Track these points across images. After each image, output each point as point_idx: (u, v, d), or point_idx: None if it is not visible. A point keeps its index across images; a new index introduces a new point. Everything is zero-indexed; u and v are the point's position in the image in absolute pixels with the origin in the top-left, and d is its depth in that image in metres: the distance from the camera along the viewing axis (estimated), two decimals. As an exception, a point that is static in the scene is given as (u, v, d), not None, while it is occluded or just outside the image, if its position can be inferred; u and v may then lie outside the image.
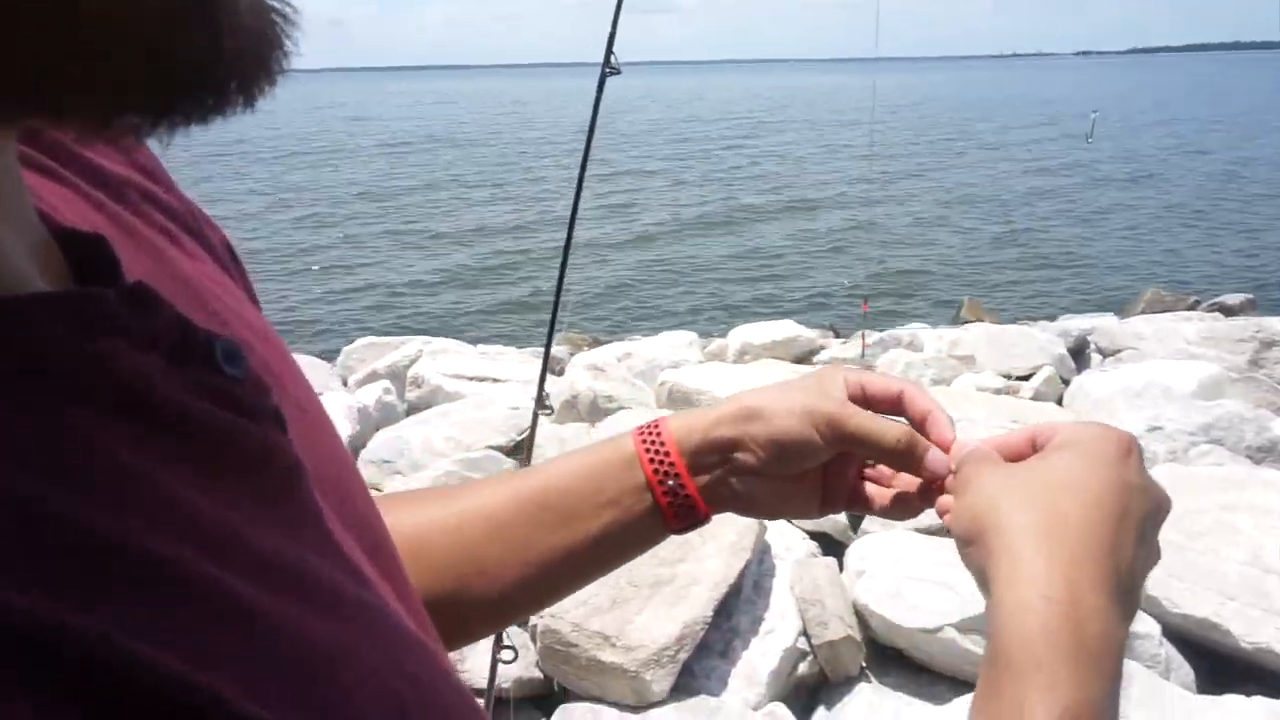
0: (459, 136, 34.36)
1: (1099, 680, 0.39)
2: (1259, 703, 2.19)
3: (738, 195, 19.09)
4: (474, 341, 6.80)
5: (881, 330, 7.16)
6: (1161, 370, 4.59)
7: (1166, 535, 1.81)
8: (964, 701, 2.29)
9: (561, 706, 2.39)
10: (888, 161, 22.89)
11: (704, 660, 2.56)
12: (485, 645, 2.36)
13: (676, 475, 0.57)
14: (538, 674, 2.52)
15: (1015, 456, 0.52)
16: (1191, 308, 9.32)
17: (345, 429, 4.13)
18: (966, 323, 8.15)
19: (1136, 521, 0.44)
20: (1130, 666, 2.32)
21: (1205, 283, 11.01)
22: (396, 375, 5.25)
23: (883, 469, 0.60)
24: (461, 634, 0.60)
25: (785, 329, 6.62)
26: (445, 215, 16.93)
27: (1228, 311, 8.84)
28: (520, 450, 4.09)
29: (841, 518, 3.27)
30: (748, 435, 0.57)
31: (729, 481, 0.59)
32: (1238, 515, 2.82)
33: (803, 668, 2.69)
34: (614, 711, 2.34)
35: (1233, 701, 2.21)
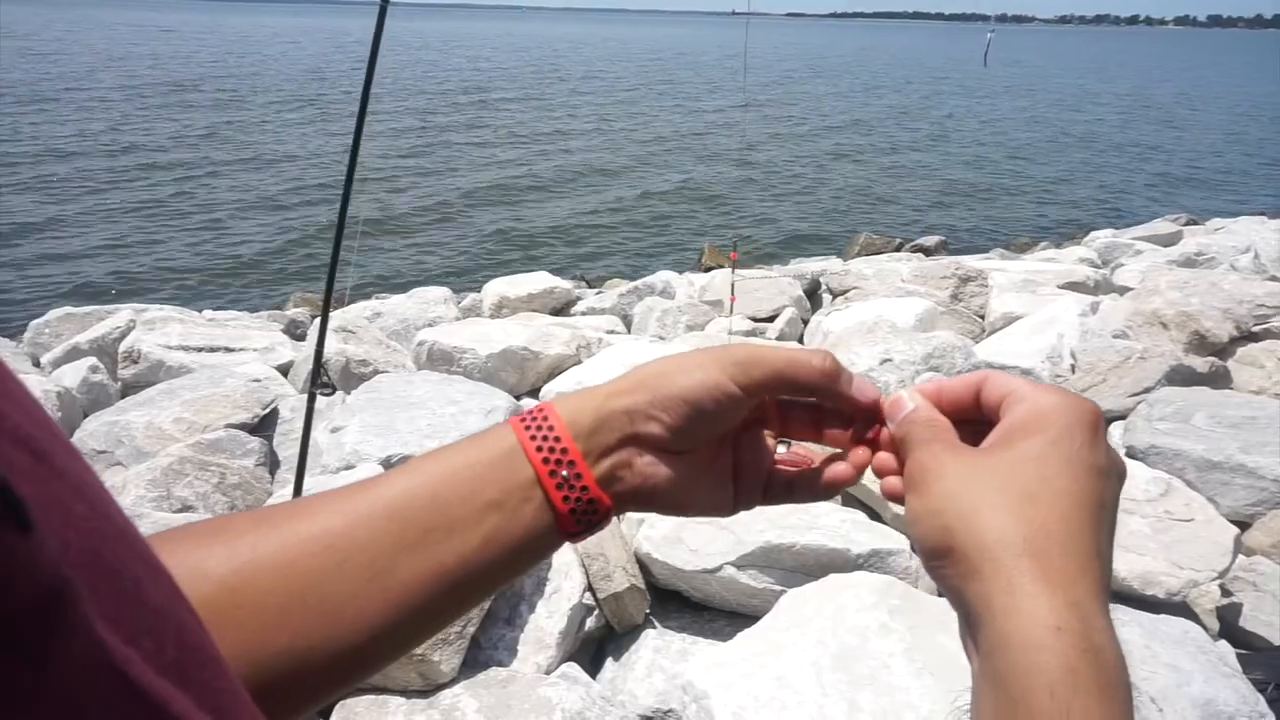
0: (186, 77, 30.42)
1: (1123, 706, 0.35)
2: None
3: (504, 154, 18.61)
4: (198, 308, 6.09)
5: (634, 279, 7.31)
6: (886, 307, 5.06)
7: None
8: (745, 634, 2.38)
9: (340, 704, 2.20)
10: (627, 119, 23.31)
11: (491, 630, 2.47)
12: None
13: (571, 462, 0.47)
14: (310, 671, 2.30)
15: (956, 408, 0.47)
16: (898, 249, 10.43)
17: (43, 418, 3.53)
18: (709, 269, 8.53)
19: (1111, 511, 0.40)
20: (885, 579, 2.54)
21: (903, 227, 12.32)
22: (105, 350, 4.57)
23: (798, 451, 0.53)
24: (306, 700, 0.44)
25: (540, 280, 6.56)
26: (153, 168, 14.96)
27: (926, 252, 10.00)
28: (265, 427, 3.72)
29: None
30: (653, 399, 0.48)
31: (632, 464, 0.48)
32: (960, 435, 3.17)
33: (590, 623, 2.68)
34: (401, 699, 2.19)
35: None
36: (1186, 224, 10.11)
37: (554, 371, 4.26)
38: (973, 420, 0.46)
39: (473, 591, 0.47)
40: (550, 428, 0.47)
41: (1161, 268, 6.29)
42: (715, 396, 0.48)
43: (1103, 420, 0.42)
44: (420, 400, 3.61)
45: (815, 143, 20.34)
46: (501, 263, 10.05)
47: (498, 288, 6.35)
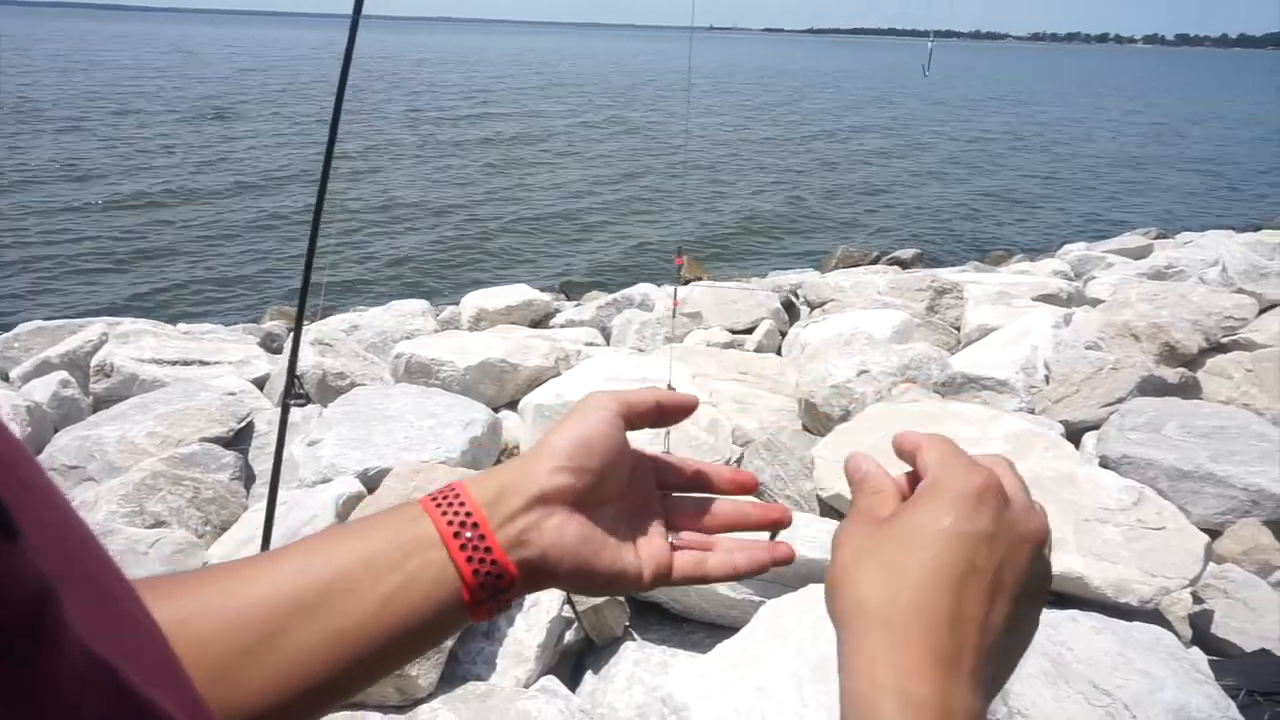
0: (162, 89, 30.17)
1: None
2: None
3: (471, 162, 18.59)
4: (171, 320, 6.03)
5: (614, 292, 7.32)
6: (862, 319, 5.10)
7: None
8: (724, 646, 2.39)
9: None
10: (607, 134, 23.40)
11: (470, 644, 2.46)
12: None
13: (475, 524, 0.47)
14: (285, 687, 2.28)
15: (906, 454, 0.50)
16: (874, 261, 10.52)
17: (13, 432, 3.48)
18: (688, 281, 8.56)
19: (986, 576, 0.42)
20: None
21: (881, 240, 12.43)
22: (76, 364, 4.51)
23: (691, 538, 0.55)
24: None
25: (519, 293, 6.55)
26: (127, 178, 14.81)
27: (903, 265, 10.09)
28: (240, 440, 3.68)
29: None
30: (548, 451, 0.50)
31: (540, 527, 0.48)
32: (937, 445, 3.19)
33: (569, 636, 2.67)
34: (378, 715, 2.17)
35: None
36: (1157, 237, 10.28)
37: (533, 383, 4.26)
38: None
39: (372, 664, 0.46)
40: (456, 495, 0.48)
41: (1132, 280, 6.39)
42: (601, 431, 0.50)
43: (992, 488, 0.43)
44: (398, 413, 3.59)
45: (796, 157, 20.50)
46: (480, 276, 10.04)
47: (476, 300, 6.34)
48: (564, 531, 0.49)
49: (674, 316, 3.82)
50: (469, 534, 0.46)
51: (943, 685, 0.39)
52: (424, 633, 0.47)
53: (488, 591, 0.47)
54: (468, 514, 0.47)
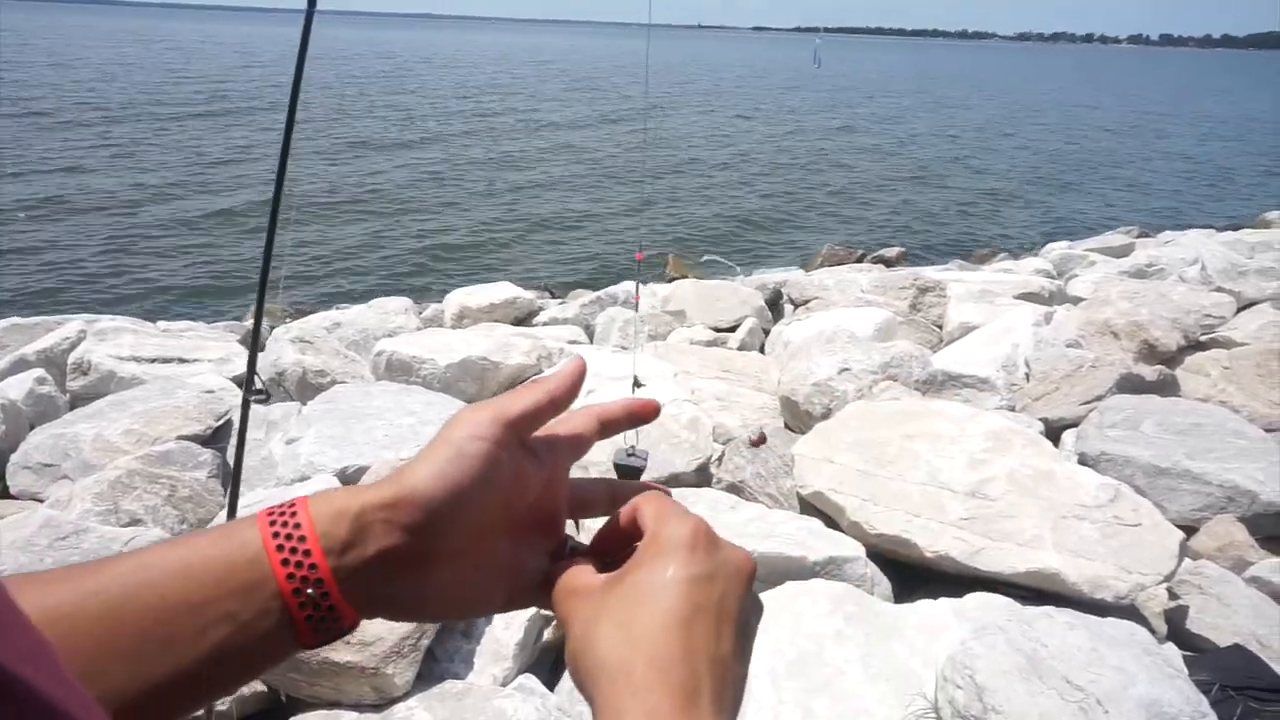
0: (120, 80, 29.88)
1: None
2: (944, 603, 2.51)
3: (459, 157, 18.53)
4: (152, 318, 5.97)
5: (597, 290, 7.31)
6: (845, 317, 5.11)
7: (862, 467, 1.95)
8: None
9: (292, 718, 2.16)
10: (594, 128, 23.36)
11: (448, 642, 2.45)
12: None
13: (319, 580, 0.43)
14: (261, 687, 2.26)
15: (629, 531, 0.49)
16: (859, 260, 10.55)
17: (-13, 430, 3.44)
18: (673, 279, 8.55)
19: (710, 612, 0.43)
20: (841, 587, 2.55)
21: (867, 239, 12.46)
22: (53, 362, 4.46)
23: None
24: None
25: (503, 291, 6.53)
26: (109, 175, 14.68)
27: (887, 263, 10.13)
28: (218, 438, 3.65)
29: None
30: (406, 502, 0.45)
31: (390, 579, 0.45)
32: (916, 442, 3.21)
33: (547, 634, 2.67)
34: (353, 714, 2.16)
35: (924, 606, 2.51)
36: (1139, 236, 10.35)
37: (514, 381, 4.25)
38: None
39: (193, 699, 0.43)
40: (301, 537, 0.43)
41: (1113, 279, 6.43)
42: (472, 438, 0.46)
43: (702, 532, 0.45)
44: (378, 411, 3.58)
45: (785, 154, 20.54)
46: (465, 273, 10.00)
47: (459, 298, 6.32)
48: (422, 583, 0.46)
49: (636, 311, 3.80)
50: (311, 590, 0.43)
51: (689, 718, 0.40)
52: (251, 671, 0.44)
53: (321, 634, 0.44)
54: (312, 566, 0.43)
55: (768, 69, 64.10)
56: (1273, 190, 17.80)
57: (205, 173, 15.11)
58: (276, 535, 0.43)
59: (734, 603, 0.44)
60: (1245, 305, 5.24)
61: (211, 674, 0.42)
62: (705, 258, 10.62)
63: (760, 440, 3.42)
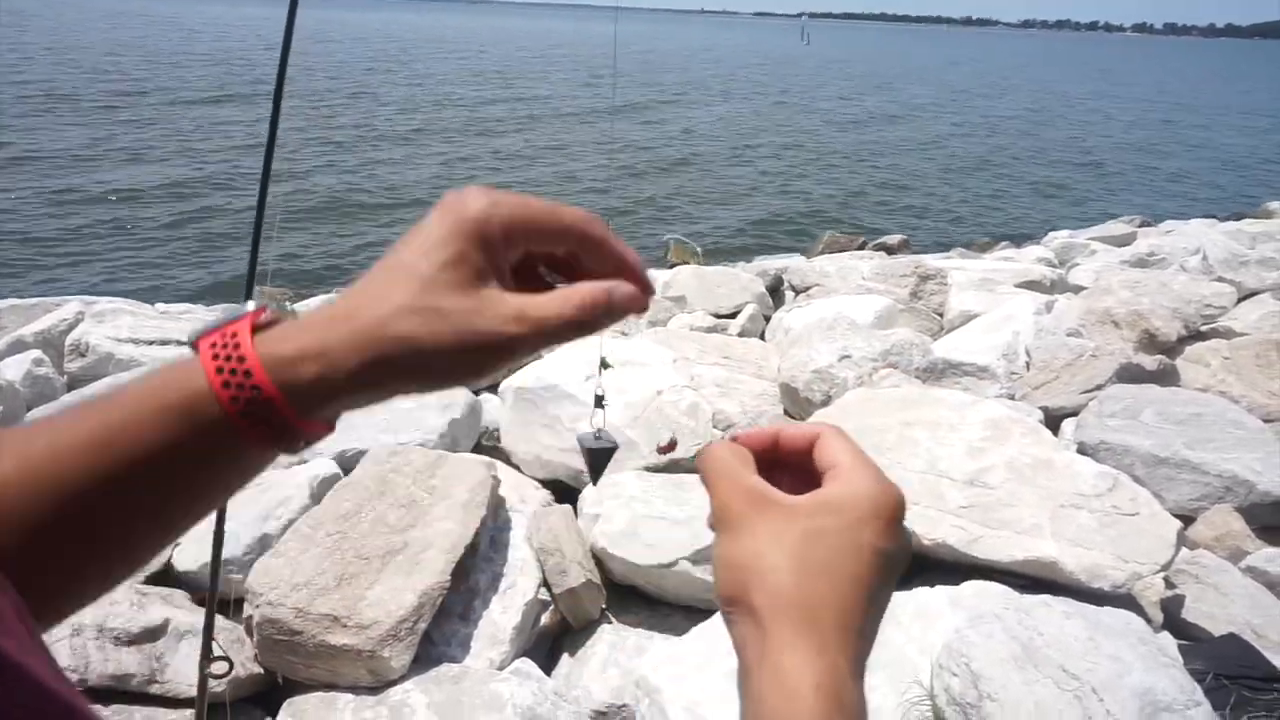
0: (133, 65, 29.71)
1: None
2: (941, 590, 2.51)
3: (446, 133, 18.46)
4: (150, 300, 5.96)
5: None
6: (846, 304, 5.09)
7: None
8: (700, 629, 2.39)
9: (288, 702, 2.17)
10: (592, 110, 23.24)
11: (444, 626, 2.45)
12: (190, 652, 2.08)
13: (240, 357, 0.40)
14: (257, 669, 2.26)
15: (792, 452, 0.50)
16: (861, 247, 10.52)
17: (-16, 411, 3.43)
18: (674, 265, 8.52)
19: (887, 592, 0.45)
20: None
21: (869, 226, 12.43)
22: (51, 343, 4.45)
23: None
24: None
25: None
26: (104, 157, 14.62)
27: (889, 250, 10.09)
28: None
29: (573, 463, 3.28)
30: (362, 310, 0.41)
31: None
32: (915, 430, 3.20)
33: (545, 619, 2.67)
34: (349, 696, 2.16)
35: (921, 593, 2.51)
36: (1141, 225, 10.32)
37: (513, 366, 4.24)
38: (802, 465, 0.49)
39: (160, 518, 0.43)
40: (237, 344, 0.40)
41: (1115, 268, 6.41)
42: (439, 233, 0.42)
43: (903, 509, 0.46)
44: (376, 394, 3.57)
45: (792, 141, 20.45)
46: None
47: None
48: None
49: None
50: (231, 362, 0.40)
51: (857, 685, 0.42)
52: (219, 484, 0.43)
53: (263, 429, 0.40)
54: (236, 345, 0.40)
55: (770, 54, 63.80)
56: (1275, 180, 17.74)
57: (205, 156, 15.04)
58: (214, 345, 0.41)
59: (892, 587, 0.46)
60: (1246, 295, 5.23)
61: (168, 485, 0.41)
62: (667, 238, 10.52)
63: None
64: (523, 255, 0.44)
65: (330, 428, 0.44)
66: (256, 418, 0.40)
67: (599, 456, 1.14)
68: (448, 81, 30.72)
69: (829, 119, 25.33)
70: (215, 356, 0.40)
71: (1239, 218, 10.48)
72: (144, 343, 4.33)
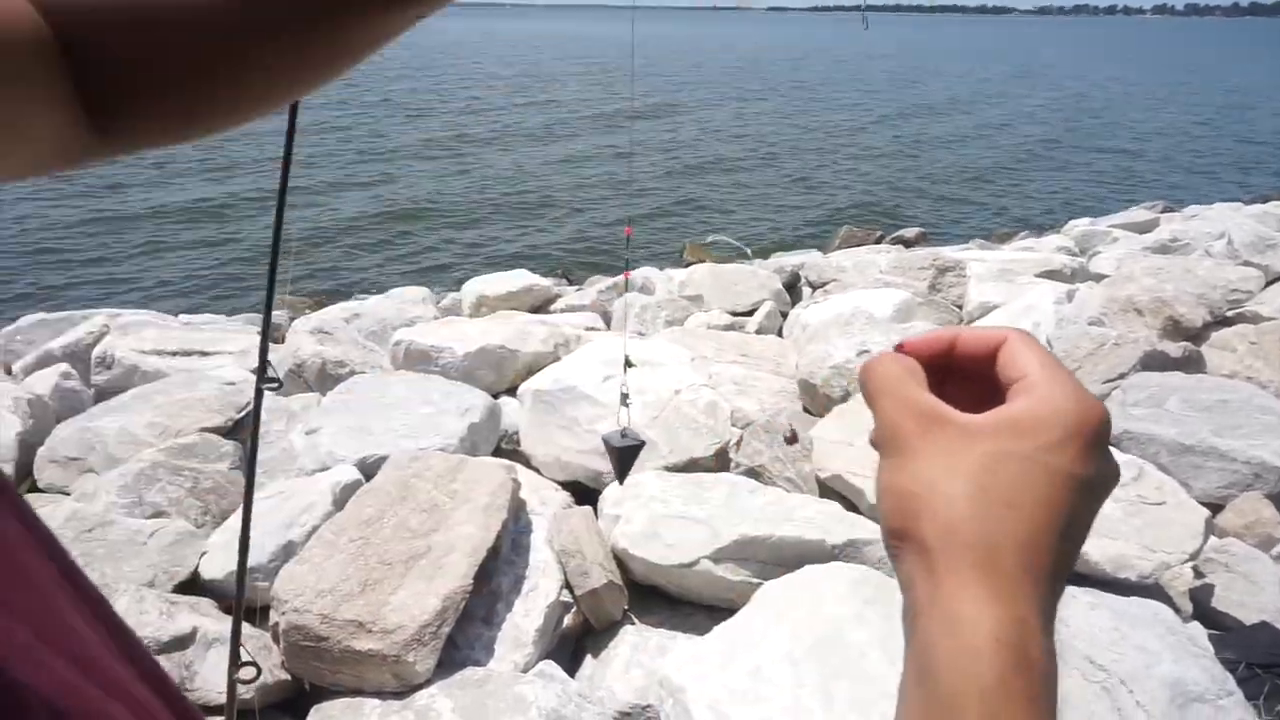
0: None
1: (1049, 715, 0.36)
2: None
3: (466, 142, 18.55)
4: (174, 312, 6.04)
5: (613, 275, 7.30)
6: (863, 298, 5.06)
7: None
8: (722, 628, 2.39)
9: (315, 708, 2.19)
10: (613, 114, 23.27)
11: (468, 629, 2.47)
12: (218, 660, 2.10)
13: None
14: (284, 676, 2.29)
15: (971, 358, 0.44)
16: (878, 241, 10.47)
17: (14, 426, 3.49)
18: (690, 264, 8.52)
19: (1084, 524, 0.39)
20: (860, 570, 2.54)
21: (887, 219, 12.35)
22: (78, 356, 4.52)
23: None
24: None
25: (520, 279, 6.54)
26: (125, 172, 14.83)
27: (907, 244, 10.03)
28: (240, 429, 3.69)
29: (592, 464, 3.28)
30: None
31: None
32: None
33: (567, 620, 2.68)
34: (376, 701, 2.18)
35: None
36: (1163, 211, 10.17)
37: (532, 369, 4.25)
38: (983, 376, 0.44)
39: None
40: None
41: (1137, 255, 6.34)
42: None
43: (1107, 429, 0.40)
44: (396, 401, 3.60)
45: (806, 135, 20.37)
46: (483, 261, 10.03)
47: (476, 287, 6.33)
48: None
49: (625, 290, 3.75)
50: None
51: (1045, 637, 0.37)
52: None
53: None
54: None
55: (790, 47, 63.57)
56: (1302, 161, 17.45)
57: (226, 168, 15.21)
58: None
59: (1093, 519, 0.40)
60: (1273, 279, 5.15)
61: None
62: (710, 239, 10.56)
63: (793, 439, 3.38)
64: None
65: None
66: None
67: (626, 455, 1.14)
68: (465, 87, 30.86)
69: (844, 114, 25.20)
70: None
71: (1265, 200, 10.31)
72: (168, 354, 4.39)
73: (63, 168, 0.47)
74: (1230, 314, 4.67)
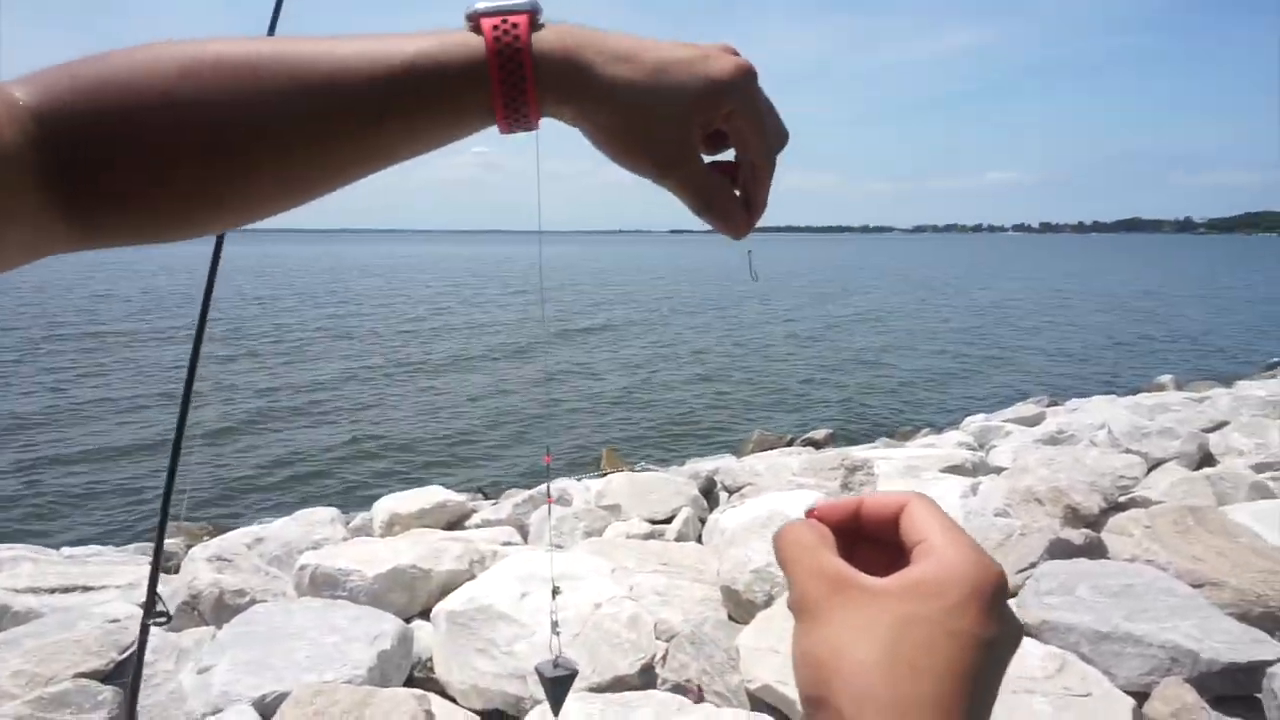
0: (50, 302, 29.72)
1: None
2: None
3: (368, 365, 18.66)
4: (55, 545, 5.63)
5: (530, 488, 7.23)
6: (779, 501, 5.13)
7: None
8: None
9: None
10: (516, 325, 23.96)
11: None
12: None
13: (517, 41, 0.50)
14: None
15: (876, 524, 0.46)
16: (789, 444, 10.75)
17: None
18: (607, 473, 8.53)
19: (987, 681, 0.40)
20: None
21: (796, 422, 12.77)
22: (-59, 601, 4.12)
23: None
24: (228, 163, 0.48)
25: (433, 495, 6.40)
26: (13, 395, 14.27)
27: (817, 445, 10.33)
28: (123, 671, 3.37)
29: (512, 689, 3.09)
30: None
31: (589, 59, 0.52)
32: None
33: None
34: None
35: None
36: (1049, 405, 10.85)
37: (446, 589, 4.08)
38: (889, 539, 0.46)
39: (374, 145, 0.51)
40: (514, 23, 0.51)
41: (1030, 447, 6.67)
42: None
43: (1004, 587, 0.41)
44: (299, 630, 3.37)
45: (716, 347, 21.27)
46: (396, 479, 9.81)
47: (388, 505, 6.16)
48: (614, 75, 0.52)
49: (549, 518, 3.75)
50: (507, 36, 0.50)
51: None
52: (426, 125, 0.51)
53: (505, 55, 0.50)
54: (517, 32, 0.50)
55: (693, 267, 67.65)
56: (1159, 355, 19.09)
57: (123, 392, 14.83)
58: (496, 28, 0.51)
59: (999, 675, 0.40)
60: (1154, 465, 5.47)
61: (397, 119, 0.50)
62: (638, 466, 10.68)
63: (699, 698, 3.19)
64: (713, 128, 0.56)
65: (539, 115, 0.53)
66: (506, 56, 0.50)
67: (560, 685, 1.09)
68: (379, 306, 31.48)
69: (748, 324, 26.58)
70: (495, 28, 0.50)
71: (1135, 392, 11.15)
72: (45, 591, 4.06)
73: (32, 259, 0.48)
74: (1122, 499, 4.90)
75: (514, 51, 0.50)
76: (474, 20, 0.51)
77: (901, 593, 0.40)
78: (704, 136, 0.56)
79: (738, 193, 0.58)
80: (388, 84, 0.49)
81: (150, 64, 0.47)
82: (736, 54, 0.54)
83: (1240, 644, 3.08)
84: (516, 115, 0.51)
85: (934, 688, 0.38)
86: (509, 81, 0.50)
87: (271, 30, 1.73)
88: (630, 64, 0.51)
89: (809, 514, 0.47)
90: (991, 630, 0.40)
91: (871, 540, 0.46)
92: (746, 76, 0.53)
